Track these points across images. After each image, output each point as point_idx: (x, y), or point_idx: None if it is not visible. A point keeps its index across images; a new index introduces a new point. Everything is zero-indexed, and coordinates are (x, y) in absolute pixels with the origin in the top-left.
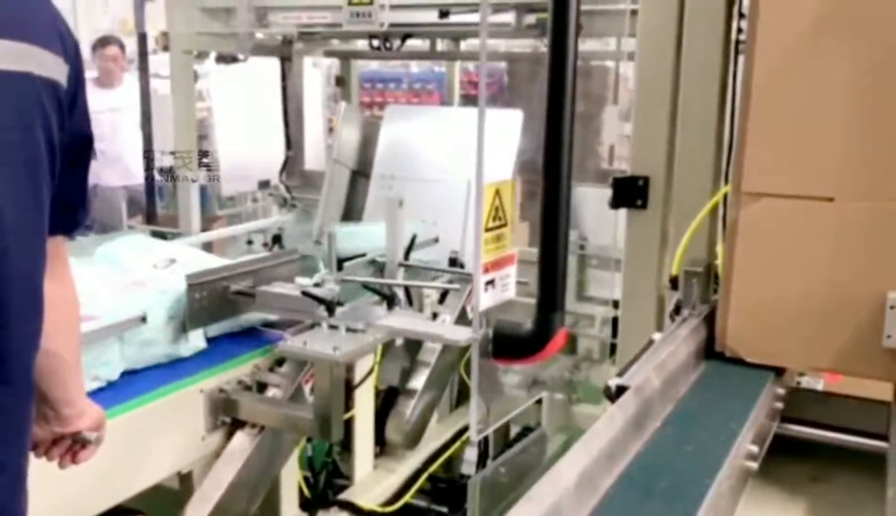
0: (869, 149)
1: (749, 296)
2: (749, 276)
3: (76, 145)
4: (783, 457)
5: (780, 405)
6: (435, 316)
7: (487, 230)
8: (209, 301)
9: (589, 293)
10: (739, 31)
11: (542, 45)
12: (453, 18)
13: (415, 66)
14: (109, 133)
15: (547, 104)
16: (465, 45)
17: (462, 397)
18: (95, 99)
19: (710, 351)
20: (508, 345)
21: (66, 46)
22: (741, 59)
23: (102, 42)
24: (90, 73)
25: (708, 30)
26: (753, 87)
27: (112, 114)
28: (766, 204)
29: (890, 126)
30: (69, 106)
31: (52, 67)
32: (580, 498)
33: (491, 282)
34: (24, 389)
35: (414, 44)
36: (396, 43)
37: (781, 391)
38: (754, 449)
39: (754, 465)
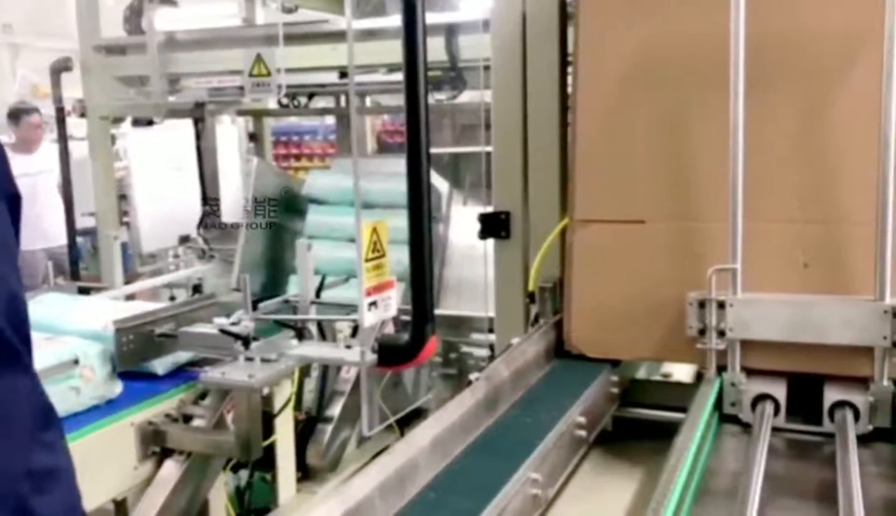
0: (669, 180)
1: (586, 304)
2: (585, 287)
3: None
4: (632, 437)
5: (616, 390)
6: (348, 348)
7: (367, 260)
8: (136, 344)
9: None
10: None
11: (433, 99)
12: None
13: (329, 119)
14: (27, 197)
15: (407, 145)
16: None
17: (381, 421)
18: (12, 165)
19: (559, 350)
20: (391, 353)
21: None
22: None
23: (25, 111)
24: (6, 139)
25: (546, 85)
26: (578, 133)
27: (28, 178)
28: (594, 228)
29: (684, 162)
30: None
31: None
32: (434, 457)
33: (374, 304)
34: None
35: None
36: (304, 100)
37: (616, 379)
38: (582, 419)
39: (584, 433)
